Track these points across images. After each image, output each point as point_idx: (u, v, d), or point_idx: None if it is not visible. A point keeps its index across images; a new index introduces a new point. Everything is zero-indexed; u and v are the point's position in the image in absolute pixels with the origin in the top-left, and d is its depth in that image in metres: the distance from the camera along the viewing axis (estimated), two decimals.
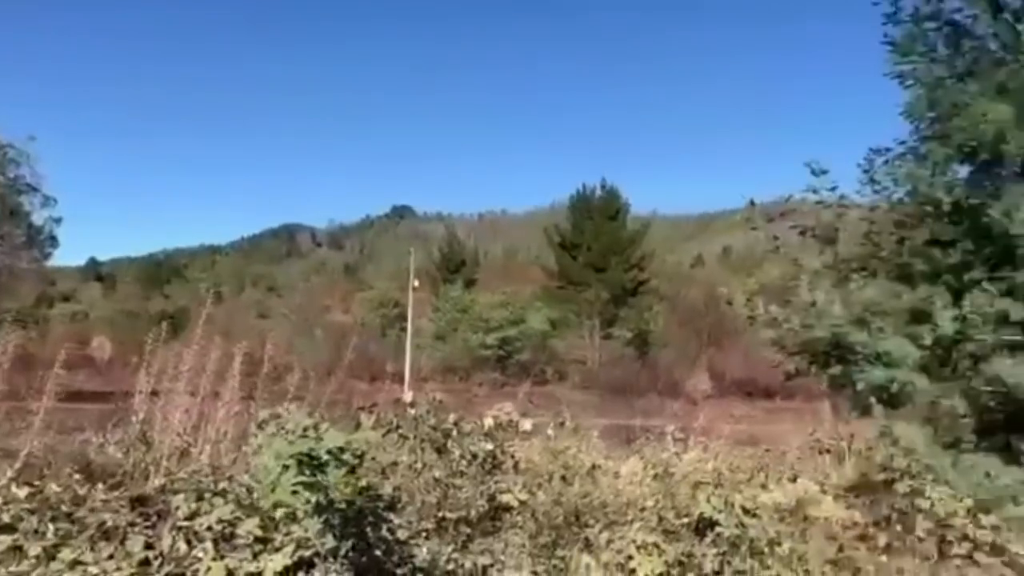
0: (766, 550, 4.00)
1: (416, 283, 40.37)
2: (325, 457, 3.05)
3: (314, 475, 3.04)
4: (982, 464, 5.37)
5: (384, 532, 3.34)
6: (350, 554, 3.08)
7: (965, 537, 4.65)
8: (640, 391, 31.51)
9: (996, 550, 4.62)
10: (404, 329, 39.43)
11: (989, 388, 5.63)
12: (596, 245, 44.19)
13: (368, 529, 3.26)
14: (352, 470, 3.18)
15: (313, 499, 3.02)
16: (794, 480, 5.45)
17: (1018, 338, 5.48)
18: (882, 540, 4.75)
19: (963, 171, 6.09)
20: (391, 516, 3.42)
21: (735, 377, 35.02)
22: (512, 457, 4.65)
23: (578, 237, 45.06)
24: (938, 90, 5.71)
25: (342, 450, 3.08)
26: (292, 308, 54.23)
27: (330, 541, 2.99)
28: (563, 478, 4.56)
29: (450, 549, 3.83)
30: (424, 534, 3.93)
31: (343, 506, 3.14)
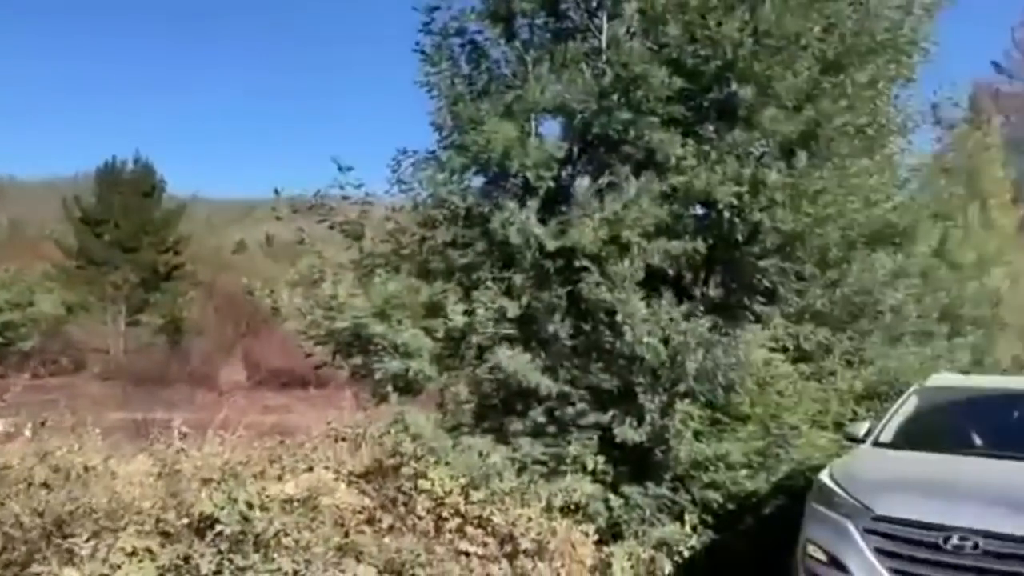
0: (272, 543, 3.94)
1: None
2: None
3: None
4: (478, 445, 5.95)
5: None
6: None
7: (457, 512, 5.11)
8: (169, 382, 29.73)
9: (483, 522, 5.15)
10: None
11: (490, 376, 6.29)
12: (125, 223, 40.48)
13: None
14: None
15: None
16: (310, 470, 5.48)
17: (513, 332, 6.19)
18: (386, 522, 5.00)
19: (478, 181, 6.69)
20: None
21: (271, 367, 34.74)
22: None
23: (105, 213, 40.82)
24: (459, 103, 6.20)
25: None
26: None
27: None
28: (45, 484, 3.98)
29: None
30: None
31: None
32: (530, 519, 5.21)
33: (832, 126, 6.26)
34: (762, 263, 6.40)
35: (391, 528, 4.97)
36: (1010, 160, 21.78)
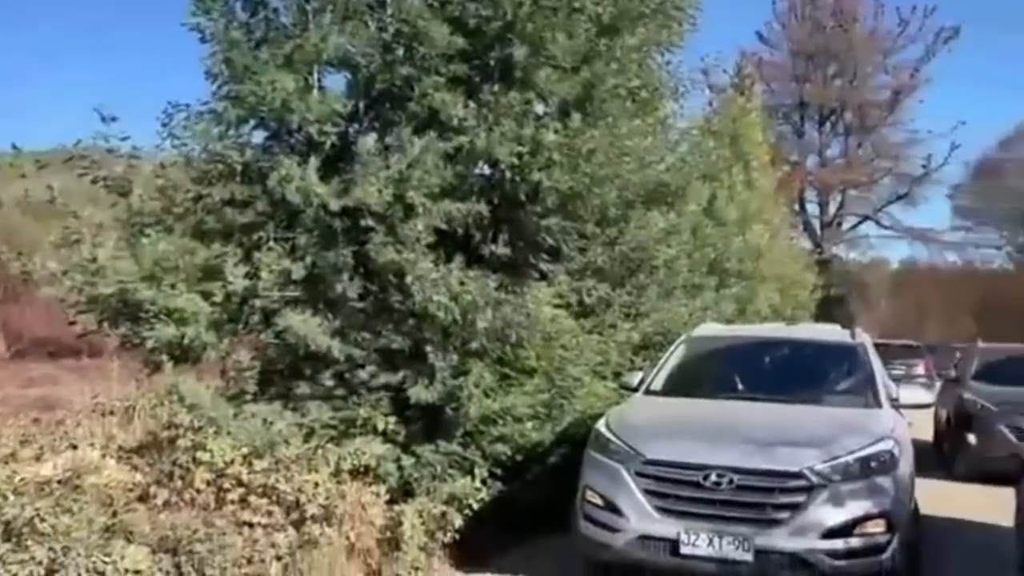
0: (25, 530, 3.60)
1: None
2: None
3: None
4: (263, 412, 5.73)
5: None
6: None
7: (240, 483, 4.92)
8: None
9: (267, 491, 5.00)
10: None
11: (275, 341, 6.05)
12: None
13: None
14: None
15: None
16: (74, 448, 5.07)
17: (300, 294, 5.98)
18: (161, 498, 4.74)
19: (260, 136, 6.35)
20: None
21: (36, 336, 31.68)
22: None
23: None
24: (234, 51, 5.82)
25: None
26: None
27: None
28: None
29: None
30: None
31: None
32: (317, 484, 5.12)
33: (605, 88, 6.49)
34: (545, 222, 6.57)
35: (167, 504, 4.72)
36: (770, 125, 23.84)
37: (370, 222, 5.69)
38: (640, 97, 7.18)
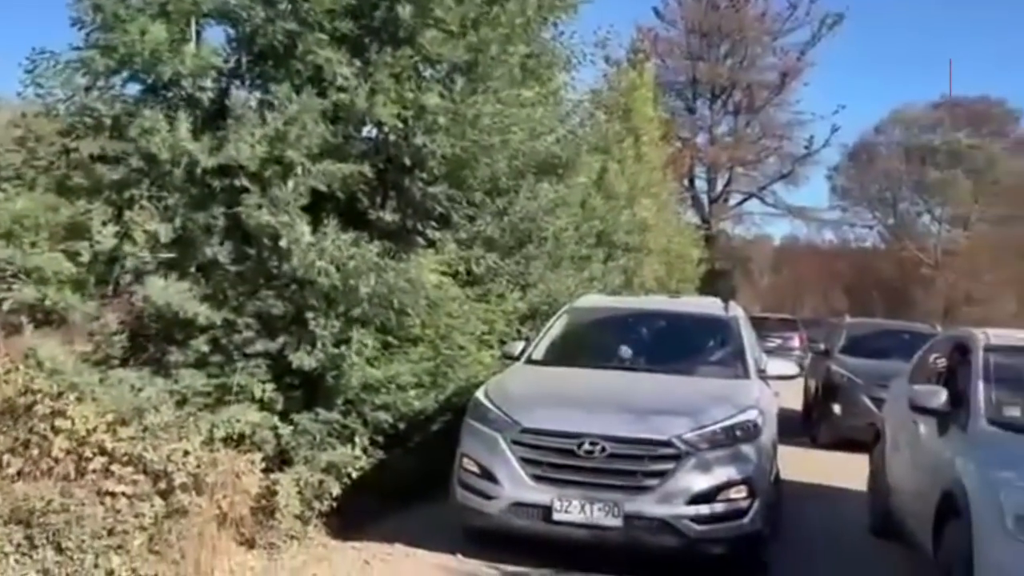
0: None
1: None
2: None
3: None
4: (131, 379, 5.50)
5: None
6: None
7: (103, 451, 4.72)
8: None
9: (133, 460, 4.81)
10: None
11: (145, 304, 5.80)
12: None
13: None
14: None
15: None
16: None
17: (172, 256, 5.75)
18: (15, 467, 4.49)
19: (135, 88, 6.03)
20: None
21: None
22: None
23: None
24: None
25: None
26: None
27: None
28: None
29: None
30: None
31: None
32: (187, 453, 4.94)
33: (492, 54, 6.44)
34: (432, 189, 6.50)
35: (20, 474, 4.47)
36: (662, 100, 24.30)
37: (245, 182, 5.49)
38: (529, 66, 7.16)
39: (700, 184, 37.69)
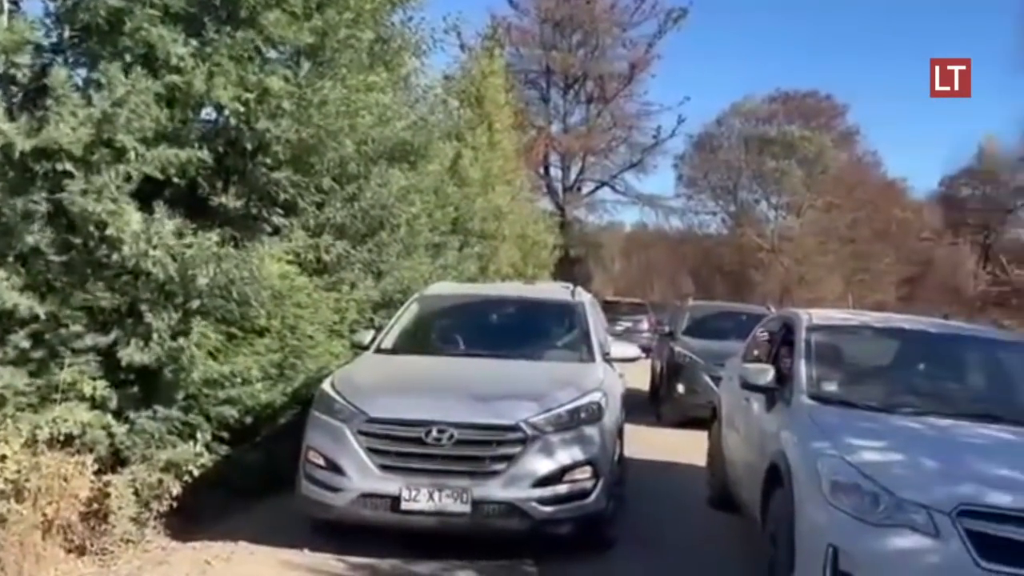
0: None
1: None
2: None
3: None
4: None
5: None
6: None
7: None
8: None
9: None
10: None
11: None
12: None
13: None
14: None
15: None
16: None
17: None
18: None
19: None
20: None
21: None
22: None
23: None
24: None
25: None
26: None
27: None
28: None
29: None
30: None
31: None
32: (5, 457, 4.62)
33: (338, 38, 6.30)
34: (276, 175, 6.31)
35: None
36: (516, 88, 24.57)
37: (68, 166, 5.13)
38: (377, 51, 7.04)
39: (555, 172, 38.46)
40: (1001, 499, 3.72)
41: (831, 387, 5.03)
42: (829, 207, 40.02)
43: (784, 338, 5.91)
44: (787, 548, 4.07)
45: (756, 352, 6.61)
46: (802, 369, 5.07)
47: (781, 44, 60.71)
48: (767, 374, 5.26)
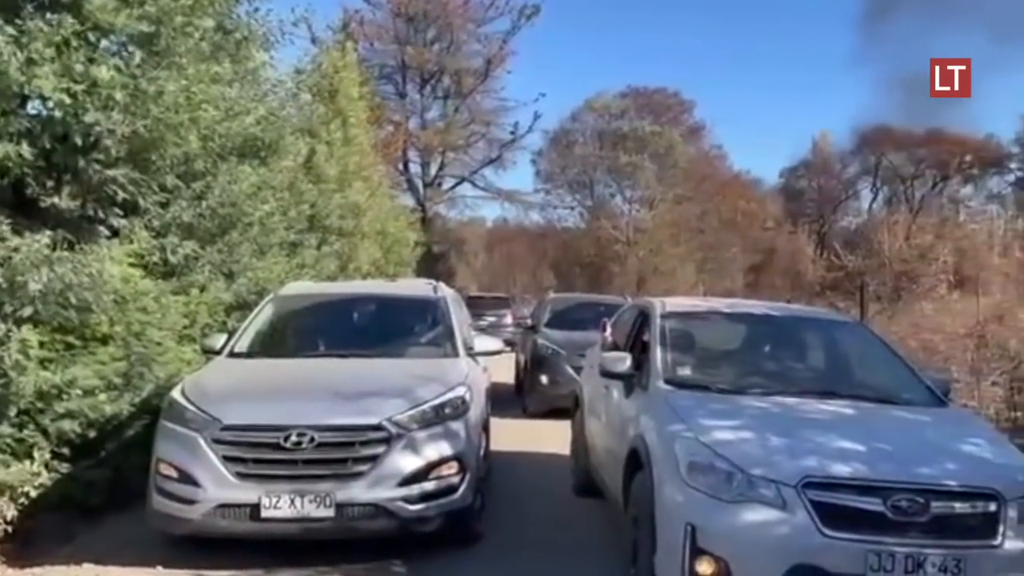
0: None
1: None
2: None
3: None
4: None
5: None
6: None
7: None
8: None
9: None
10: None
11: None
12: None
13: None
14: None
15: None
16: None
17: None
18: None
19: None
20: None
21: None
22: None
23: None
24: None
25: None
26: None
27: None
28: None
29: None
30: None
31: None
32: None
33: (175, 26, 5.97)
34: (111, 172, 5.93)
35: None
36: (371, 83, 24.21)
37: None
38: (218, 40, 6.73)
39: (415, 168, 38.21)
40: (841, 470, 3.96)
41: (685, 372, 5.21)
42: (680, 200, 41.64)
43: (639, 326, 6.08)
44: (648, 529, 4.18)
45: (613, 340, 6.76)
46: (657, 355, 5.23)
47: (632, 42, 62.89)
48: (625, 362, 5.39)
